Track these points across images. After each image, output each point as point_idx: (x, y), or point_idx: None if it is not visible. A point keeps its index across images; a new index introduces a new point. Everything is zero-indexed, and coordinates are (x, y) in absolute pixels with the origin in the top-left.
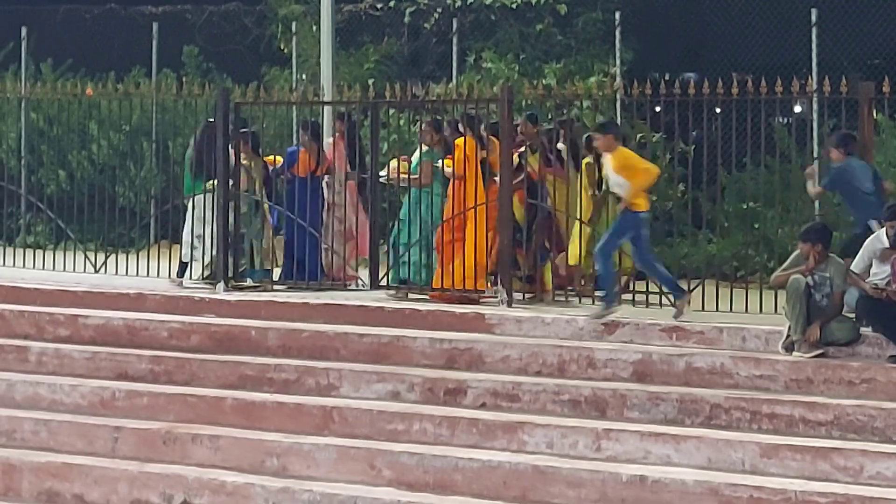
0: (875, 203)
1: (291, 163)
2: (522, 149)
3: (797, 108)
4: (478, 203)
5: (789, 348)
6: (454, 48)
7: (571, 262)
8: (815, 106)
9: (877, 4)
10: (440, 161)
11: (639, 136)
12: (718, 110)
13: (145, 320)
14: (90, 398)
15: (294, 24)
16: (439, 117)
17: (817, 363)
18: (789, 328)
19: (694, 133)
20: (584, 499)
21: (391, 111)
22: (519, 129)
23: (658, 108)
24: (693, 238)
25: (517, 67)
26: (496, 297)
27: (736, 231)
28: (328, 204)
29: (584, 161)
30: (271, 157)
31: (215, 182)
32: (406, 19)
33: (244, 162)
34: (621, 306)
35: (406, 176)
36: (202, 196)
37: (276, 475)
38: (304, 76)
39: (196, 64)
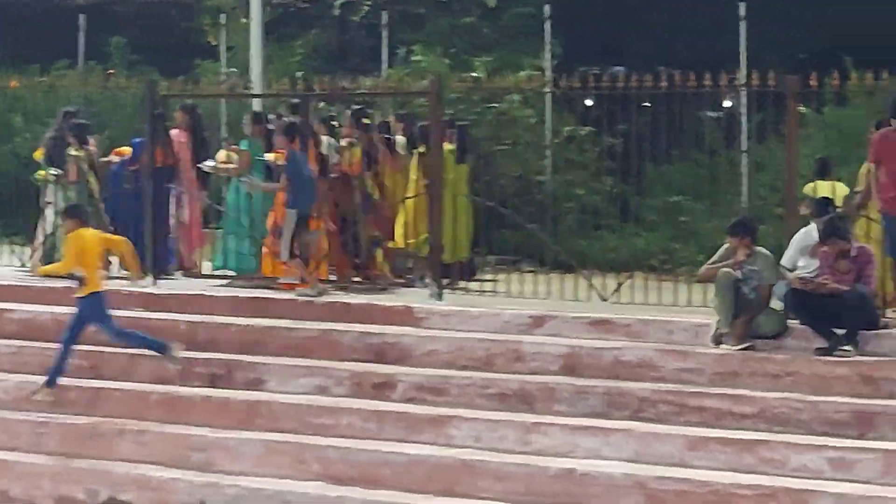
0: (311, 189)
1: (139, 154)
2: (344, 143)
3: (726, 103)
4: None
5: (718, 341)
6: (383, 41)
7: (397, 244)
8: (743, 100)
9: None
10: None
11: (566, 129)
12: (647, 104)
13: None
14: (14, 393)
15: (223, 17)
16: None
17: (744, 356)
18: (718, 321)
19: (623, 127)
20: (512, 492)
21: (320, 104)
22: (344, 124)
23: (588, 102)
24: (621, 231)
25: (447, 61)
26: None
27: (664, 224)
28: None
29: (418, 150)
30: (121, 149)
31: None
32: (335, 12)
33: (73, 153)
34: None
35: (230, 166)
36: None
37: (202, 470)
38: (234, 69)
39: (123, 56)
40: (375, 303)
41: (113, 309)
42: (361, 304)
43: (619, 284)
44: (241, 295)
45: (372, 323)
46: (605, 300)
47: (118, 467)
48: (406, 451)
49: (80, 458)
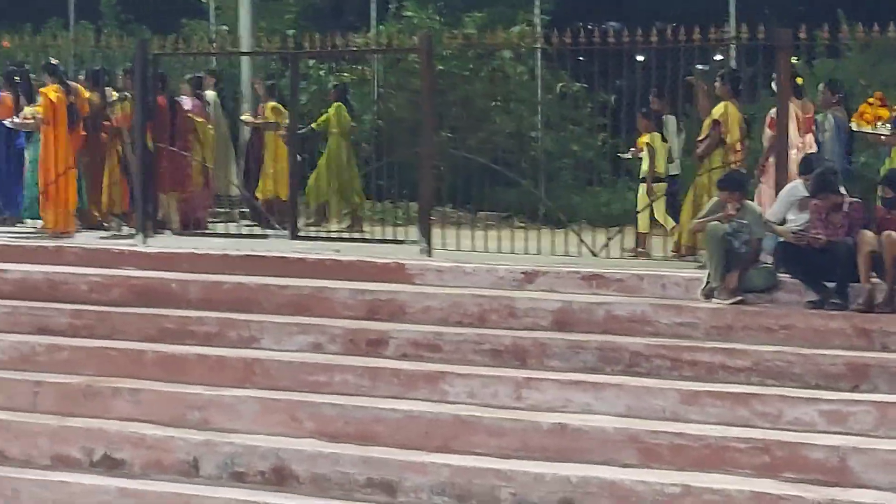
0: None
1: None
2: (116, 97)
3: (717, 57)
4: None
5: (709, 295)
6: None
7: (265, 194)
8: (732, 54)
9: None
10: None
11: (560, 85)
12: (640, 59)
13: (65, 274)
14: (10, 353)
15: None
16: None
17: (737, 310)
18: (708, 275)
19: (616, 82)
20: (506, 448)
21: (311, 62)
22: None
23: (581, 58)
24: (613, 187)
25: (438, 17)
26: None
27: None
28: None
29: (270, 105)
30: None
31: None
32: None
33: None
34: None
35: (31, 122)
36: None
37: (198, 428)
38: (224, 26)
39: (114, 15)
40: (368, 260)
41: (103, 267)
42: (354, 261)
43: (609, 239)
44: (231, 253)
45: (364, 280)
46: (595, 255)
47: (113, 426)
48: (400, 408)
49: (76, 417)
